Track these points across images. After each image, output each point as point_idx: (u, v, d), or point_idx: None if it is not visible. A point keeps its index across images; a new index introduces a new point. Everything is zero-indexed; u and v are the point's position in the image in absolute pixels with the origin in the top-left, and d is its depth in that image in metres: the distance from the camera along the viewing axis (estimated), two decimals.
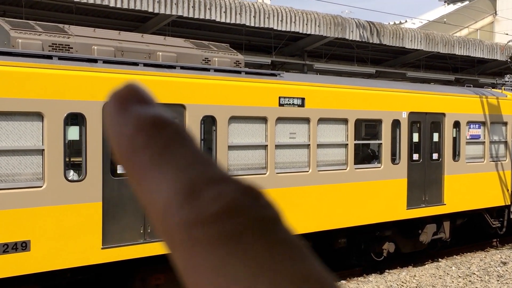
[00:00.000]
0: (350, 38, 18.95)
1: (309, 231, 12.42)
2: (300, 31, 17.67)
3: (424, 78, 23.16)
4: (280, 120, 11.95)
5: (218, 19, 15.64)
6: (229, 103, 11.12)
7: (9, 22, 9.52)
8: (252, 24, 16.45)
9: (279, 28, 17.07)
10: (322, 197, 12.62)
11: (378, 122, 13.99)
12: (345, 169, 13.16)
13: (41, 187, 8.97)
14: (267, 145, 11.74)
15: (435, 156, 15.41)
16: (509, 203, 17.60)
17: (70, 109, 9.23)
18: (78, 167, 9.55)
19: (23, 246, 8.76)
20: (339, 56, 21.74)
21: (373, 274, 14.63)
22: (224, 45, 12.08)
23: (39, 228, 8.90)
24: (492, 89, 18.23)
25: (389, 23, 21.95)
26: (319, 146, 12.70)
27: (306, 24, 17.74)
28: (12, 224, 8.67)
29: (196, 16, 15.21)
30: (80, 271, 9.85)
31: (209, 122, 10.98)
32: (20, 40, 9.24)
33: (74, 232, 9.26)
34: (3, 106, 8.56)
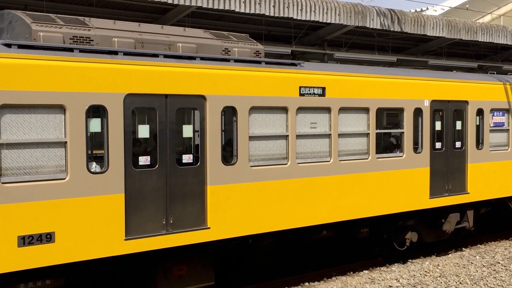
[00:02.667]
0: (371, 27, 18.80)
1: (331, 221, 12.41)
2: (320, 20, 17.56)
3: (446, 66, 22.94)
4: (300, 110, 11.93)
5: (237, 10, 15.61)
6: (250, 93, 11.12)
7: (31, 15, 9.60)
8: (272, 14, 16.39)
9: (299, 18, 16.98)
10: (343, 187, 12.59)
11: (400, 110, 13.90)
12: (367, 159, 13.11)
13: (64, 179, 9.06)
14: (288, 135, 11.73)
15: (458, 144, 15.28)
16: None
17: (92, 101, 9.29)
18: (100, 159, 9.62)
19: (48, 237, 8.87)
20: (359, 45, 21.60)
21: (395, 264, 14.59)
22: (244, 36, 12.06)
23: (63, 220, 9.00)
24: None
25: (410, 11, 21.70)
26: (340, 135, 12.66)
27: (326, 13, 17.64)
28: (37, 216, 8.77)
29: (216, 7, 15.19)
30: (103, 263, 9.95)
31: (229, 113, 10.99)
32: (41, 33, 9.30)
33: (97, 224, 9.35)
34: (26, 99, 8.66)
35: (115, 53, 9.69)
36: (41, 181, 8.85)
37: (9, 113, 8.58)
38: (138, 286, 10.73)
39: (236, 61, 11.14)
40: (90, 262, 9.69)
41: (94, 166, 9.53)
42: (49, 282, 9.32)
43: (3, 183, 8.48)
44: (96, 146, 9.71)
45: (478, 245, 16.93)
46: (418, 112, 14.23)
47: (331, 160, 12.42)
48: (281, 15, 16.58)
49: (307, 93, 11.97)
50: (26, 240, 8.67)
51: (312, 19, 17.32)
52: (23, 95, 8.64)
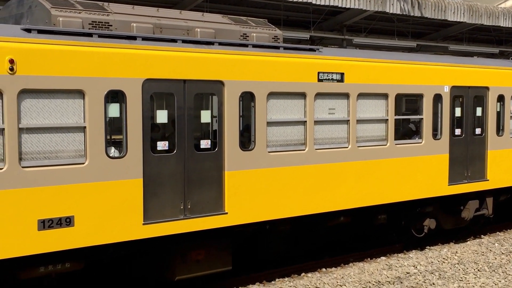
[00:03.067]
0: (391, 12, 18.65)
1: (349, 207, 12.39)
2: (339, 5, 17.45)
3: (467, 52, 22.69)
4: (319, 95, 11.88)
5: None
6: (268, 79, 11.09)
7: (50, 0, 9.63)
8: None
9: (318, 3, 16.88)
10: (361, 173, 12.55)
11: (419, 96, 13.79)
12: (385, 145, 13.05)
13: (83, 164, 9.13)
14: (306, 121, 11.69)
15: (478, 131, 15.14)
16: None
17: (111, 86, 9.32)
18: (119, 144, 9.67)
19: (67, 221, 8.95)
20: (379, 30, 21.45)
21: (413, 251, 14.55)
22: (262, 21, 12.01)
23: (83, 204, 9.08)
24: None
25: None
26: (359, 121, 12.60)
27: None
28: (56, 200, 8.86)
29: None
30: (122, 247, 10.03)
31: (247, 99, 10.98)
32: (60, 19, 9.33)
33: (116, 208, 9.42)
34: (45, 84, 8.71)
35: (133, 38, 9.70)
36: (61, 165, 8.93)
37: (29, 98, 8.65)
38: (157, 271, 10.83)
39: (254, 46, 11.11)
40: (109, 246, 9.78)
41: (113, 151, 9.59)
42: (69, 265, 9.43)
43: (23, 167, 8.57)
44: (114, 131, 9.75)
45: (497, 233, 16.82)
46: (437, 98, 14.11)
47: (349, 146, 12.37)
48: (300, 0, 16.49)
49: (326, 79, 11.91)
50: (46, 224, 8.76)
51: (331, 4, 17.21)
52: (43, 80, 8.70)
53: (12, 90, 8.44)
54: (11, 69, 8.41)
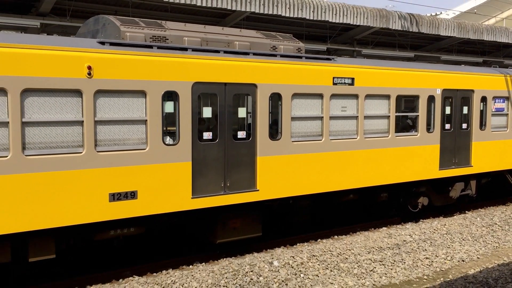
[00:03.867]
0: (393, 28, 18.40)
1: (357, 187, 12.34)
2: (351, 23, 17.28)
3: (456, 61, 22.31)
4: (333, 96, 11.81)
5: (283, 14, 15.49)
6: (292, 82, 11.06)
7: (120, 19, 9.74)
8: (311, 18, 16.20)
9: (333, 21, 16.75)
10: (368, 159, 12.47)
11: (416, 97, 13.61)
12: (387, 137, 12.92)
13: (145, 149, 9.25)
14: (323, 117, 11.64)
15: (464, 126, 14.89)
16: None
17: (167, 88, 9.41)
18: (173, 134, 9.76)
19: (132, 195, 9.09)
20: (383, 43, 21.19)
21: (409, 223, 14.42)
22: (288, 35, 11.96)
23: (144, 181, 9.21)
24: None
25: (426, 14, 21.10)
26: (366, 117, 12.50)
27: (356, 17, 17.32)
28: (124, 178, 9.00)
29: (266, 12, 15.11)
30: (174, 216, 10.16)
31: (276, 98, 10.97)
32: (128, 34, 9.44)
33: (170, 185, 9.53)
34: (115, 85, 8.84)
35: (185, 49, 9.76)
36: (127, 150, 9.07)
37: (103, 97, 8.78)
38: (202, 236, 10.94)
39: (282, 56, 11.08)
40: (164, 215, 9.91)
41: (168, 140, 9.69)
42: (133, 229, 9.59)
43: (97, 151, 8.72)
44: (169, 123, 9.85)
45: (479, 209, 16.55)
46: (431, 99, 13.92)
47: (358, 137, 12.29)
48: (319, 18, 16.37)
49: (339, 83, 11.83)
50: (115, 197, 8.91)
51: (345, 22, 17.05)
52: (114, 83, 8.82)
53: (89, 90, 8.57)
54: (89, 73, 8.54)
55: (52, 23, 13.49)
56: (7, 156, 7.93)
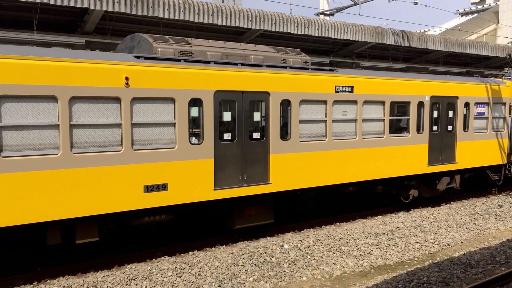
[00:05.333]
0: (387, 43, 18.26)
1: (356, 181, 12.27)
2: (351, 39, 17.19)
3: (442, 71, 22.08)
4: (335, 102, 11.75)
5: (292, 32, 15.46)
6: (300, 90, 11.04)
7: (152, 37, 9.80)
8: (316, 35, 16.15)
9: (335, 37, 16.67)
10: (365, 156, 12.40)
11: (407, 103, 13.49)
12: (382, 137, 12.83)
13: (174, 148, 9.30)
14: (326, 120, 11.60)
15: (450, 127, 14.73)
16: (505, 162, 16.70)
17: (192, 95, 9.44)
18: (197, 135, 9.80)
19: (163, 187, 9.15)
20: (378, 56, 21.05)
21: (402, 212, 14.31)
22: (296, 50, 11.94)
23: (173, 175, 9.25)
24: (495, 78, 17.12)
25: (416, 31, 20.91)
26: (364, 120, 12.42)
27: (355, 34, 17.22)
28: (156, 172, 9.05)
29: (277, 30, 15.10)
30: (199, 205, 10.19)
31: (286, 104, 10.96)
32: (159, 49, 9.49)
33: (195, 178, 9.56)
34: (149, 93, 8.89)
35: (208, 62, 9.79)
36: (159, 149, 9.12)
37: (137, 103, 8.84)
38: (223, 222, 10.96)
39: (291, 67, 11.06)
40: (190, 204, 9.94)
41: (194, 140, 9.72)
42: (164, 216, 9.64)
43: (134, 150, 8.78)
44: (195, 126, 9.89)
45: (463, 200, 16.37)
46: (420, 104, 13.78)
47: (357, 138, 12.22)
48: (323, 35, 16.31)
49: (341, 90, 11.78)
50: (149, 188, 8.97)
51: (345, 38, 16.97)
52: (147, 91, 8.87)
53: (127, 98, 8.64)
54: (126, 83, 8.60)
55: (95, 40, 13.63)
56: (57, 154, 8.03)
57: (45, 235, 8.55)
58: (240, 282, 8.37)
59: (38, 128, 7.87)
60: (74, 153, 8.18)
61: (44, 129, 7.92)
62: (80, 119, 8.25)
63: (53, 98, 7.96)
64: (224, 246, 10.75)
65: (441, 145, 14.48)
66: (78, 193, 8.22)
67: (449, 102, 14.68)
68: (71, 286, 7.86)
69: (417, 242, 11.02)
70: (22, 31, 12.46)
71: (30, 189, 7.78)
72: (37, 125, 7.85)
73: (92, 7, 11.77)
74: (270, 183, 10.64)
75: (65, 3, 11.39)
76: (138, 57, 8.95)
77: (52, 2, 11.22)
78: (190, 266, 8.83)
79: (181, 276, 8.47)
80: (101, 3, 11.83)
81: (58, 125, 8.03)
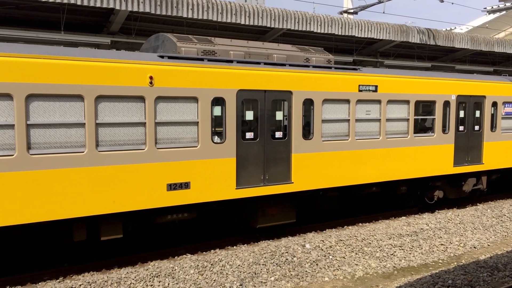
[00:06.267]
0: (412, 41, 17.96)
1: (380, 181, 12.11)
2: (375, 37, 16.97)
3: (469, 70, 21.60)
4: (359, 101, 11.62)
5: (315, 30, 15.35)
6: (323, 89, 10.95)
7: (176, 36, 9.87)
8: (340, 33, 16.00)
9: (359, 36, 16.48)
10: (389, 156, 12.22)
11: (433, 102, 13.24)
12: (407, 137, 12.63)
13: (196, 147, 9.34)
14: (349, 119, 11.47)
15: (476, 128, 14.39)
16: None
17: (215, 94, 9.47)
18: (220, 134, 9.82)
19: (186, 185, 9.19)
20: (403, 55, 20.73)
21: (426, 213, 14.07)
22: (320, 49, 11.85)
23: (196, 173, 9.30)
24: None
25: (442, 29, 20.51)
26: (388, 120, 12.24)
27: (379, 32, 16.99)
28: (179, 171, 9.11)
29: (300, 29, 15.02)
30: (221, 203, 10.22)
31: (308, 103, 10.89)
32: (183, 48, 9.55)
33: (218, 177, 9.58)
34: (173, 93, 8.95)
35: (231, 61, 9.80)
36: (182, 147, 9.17)
37: (161, 102, 8.91)
38: (245, 221, 10.96)
39: (314, 67, 10.98)
40: (213, 203, 9.97)
41: (216, 139, 9.74)
42: (186, 215, 9.70)
43: (157, 148, 8.86)
44: (217, 125, 9.91)
45: (489, 202, 15.97)
46: (446, 104, 13.51)
47: (380, 137, 12.06)
48: (347, 34, 16.15)
49: (364, 90, 11.63)
50: (172, 186, 9.03)
51: (369, 36, 16.76)
52: (171, 90, 8.93)
53: (151, 97, 8.72)
54: (151, 82, 8.68)
55: (120, 40, 13.82)
56: (83, 152, 8.17)
57: (72, 232, 8.71)
58: (261, 281, 8.36)
59: (64, 127, 8.01)
60: (99, 151, 8.30)
61: (71, 128, 8.07)
62: (106, 118, 8.36)
63: (79, 97, 8.09)
64: (245, 245, 10.76)
65: (468, 145, 14.17)
66: (103, 191, 8.34)
67: (476, 102, 14.34)
68: (95, 282, 7.99)
69: (441, 244, 10.81)
70: (50, 31, 12.72)
71: (58, 186, 7.93)
72: (64, 124, 8.00)
73: (117, 7, 11.93)
74: (292, 183, 10.60)
75: (92, 4, 11.57)
76: (162, 57, 9.02)
77: (79, 3, 11.42)
78: (212, 265, 8.86)
79: (203, 274, 8.51)
80: (126, 3, 11.99)
81: (84, 123, 8.16)
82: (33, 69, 7.64)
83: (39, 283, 8.44)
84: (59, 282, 8.47)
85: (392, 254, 10.00)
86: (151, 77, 8.65)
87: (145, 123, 8.69)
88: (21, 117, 7.59)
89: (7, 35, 11.80)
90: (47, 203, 7.87)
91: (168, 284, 8.05)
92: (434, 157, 13.25)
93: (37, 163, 7.75)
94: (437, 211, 14.45)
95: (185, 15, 12.84)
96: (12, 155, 7.57)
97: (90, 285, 7.87)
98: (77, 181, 8.10)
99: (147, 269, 8.59)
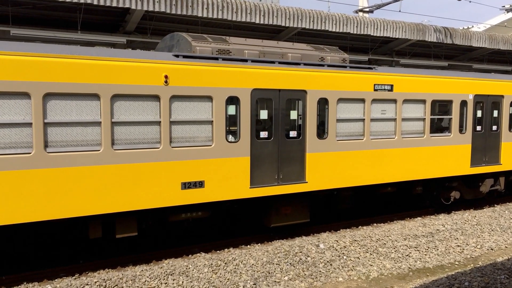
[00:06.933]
0: (429, 40, 17.74)
1: (395, 181, 11.99)
2: (391, 36, 16.80)
3: (487, 69, 21.26)
4: (374, 101, 11.52)
5: (330, 29, 15.27)
6: (338, 88, 10.88)
7: (191, 35, 9.89)
8: (355, 32, 15.88)
9: (375, 34, 16.34)
10: (405, 156, 12.09)
11: (449, 102, 13.06)
12: (423, 137, 12.48)
13: (211, 146, 9.35)
14: (364, 119, 11.38)
15: (494, 128, 14.16)
16: None
17: (229, 93, 9.47)
18: (234, 133, 9.82)
19: (200, 184, 9.22)
20: (419, 54, 20.50)
21: (442, 214, 13.88)
22: (334, 48, 11.77)
23: (210, 172, 9.32)
24: None
25: (459, 28, 20.24)
26: (403, 120, 12.11)
27: (395, 31, 16.82)
28: (193, 170, 9.13)
29: (315, 28, 14.94)
30: (235, 202, 10.22)
31: (323, 102, 10.83)
32: (198, 48, 9.57)
33: (232, 176, 9.59)
34: (187, 91, 8.98)
35: (245, 60, 9.79)
36: (196, 146, 9.19)
37: (176, 101, 8.95)
38: (258, 220, 10.96)
39: (329, 66, 10.92)
40: (227, 201, 9.99)
41: (230, 138, 9.75)
42: (200, 213, 9.73)
43: (172, 147, 8.89)
44: (231, 124, 9.92)
45: (507, 203, 15.70)
46: (463, 103, 13.31)
47: (396, 137, 11.93)
48: (362, 32, 16.02)
49: (380, 89, 11.53)
50: (186, 185, 9.06)
51: (385, 35, 16.60)
52: (186, 89, 8.96)
53: (166, 96, 8.76)
54: (166, 81, 8.72)
55: (136, 39, 13.92)
56: (99, 150, 8.24)
57: (87, 229, 8.80)
58: (275, 281, 8.35)
59: (81, 125, 8.10)
60: (115, 149, 8.37)
61: (87, 126, 8.15)
62: (121, 117, 8.42)
63: (95, 96, 8.17)
64: (259, 244, 10.74)
65: (485, 145, 13.94)
66: (118, 189, 8.41)
67: (494, 101, 14.11)
68: (110, 279, 8.06)
69: (458, 246, 10.65)
70: (66, 31, 12.88)
71: (74, 184, 8.02)
72: (80, 122, 8.08)
73: (133, 7, 12.01)
74: (306, 182, 10.55)
75: (108, 3, 11.68)
76: (177, 56, 9.05)
77: (95, 2, 11.53)
78: (225, 263, 8.87)
79: (216, 272, 8.53)
80: (142, 3, 12.07)
81: (100, 122, 8.23)
82: (50, 68, 7.74)
83: (55, 280, 8.54)
84: (75, 279, 8.56)
85: (407, 255, 9.89)
86: (166, 76, 8.69)
87: (160, 122, 8.74)
88: (39, 115, 7.69)
89: (25, 34, 11.97)
90: (63, 200, 7.96)
91: (182, 282, 8.09)
92: (451, 157, 13.07)
93: (54, 161, 7.84)
94: (453, 212, 14.26)
95: (200, 15, 12.88)
96: (30, 153, 7.67)
97: (105, 282, 7.94)
98: (93, 179, 8.18)
99: (161, 267, 8.64)
